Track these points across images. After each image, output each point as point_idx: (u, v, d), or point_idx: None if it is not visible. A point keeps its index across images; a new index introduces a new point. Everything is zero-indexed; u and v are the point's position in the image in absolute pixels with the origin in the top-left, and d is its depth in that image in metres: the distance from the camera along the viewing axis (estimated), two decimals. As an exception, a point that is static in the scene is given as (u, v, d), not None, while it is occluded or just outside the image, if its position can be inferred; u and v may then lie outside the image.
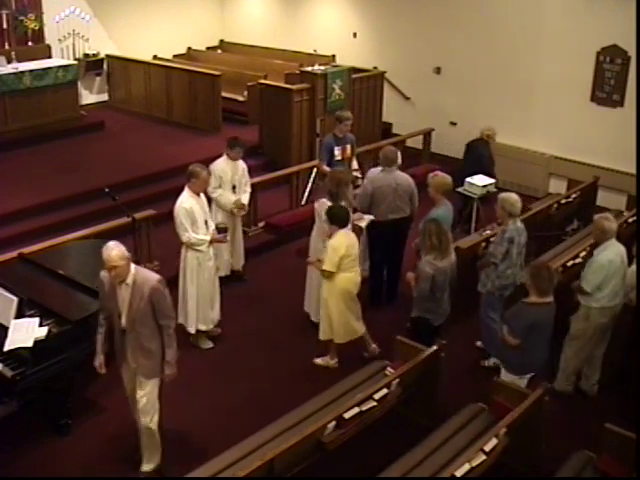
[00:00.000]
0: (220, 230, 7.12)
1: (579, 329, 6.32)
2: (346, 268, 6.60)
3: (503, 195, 6.76)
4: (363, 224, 7.27)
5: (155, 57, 13.71)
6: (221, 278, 7.74)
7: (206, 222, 6.96)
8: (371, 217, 7.39)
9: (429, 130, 11.71)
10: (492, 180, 9.05)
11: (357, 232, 7.14)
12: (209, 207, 7.29)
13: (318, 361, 6.97)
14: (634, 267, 6.48)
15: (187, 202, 6.74)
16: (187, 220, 6.71)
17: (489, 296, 6.73)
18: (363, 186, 7.79)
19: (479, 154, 9.42)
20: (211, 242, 6.94)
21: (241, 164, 8.04)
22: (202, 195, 6.96)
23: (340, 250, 6.49)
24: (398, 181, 7.63)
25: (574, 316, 6.35)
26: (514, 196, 6.65)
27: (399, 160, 7.84)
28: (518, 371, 5.70)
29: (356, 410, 5.17)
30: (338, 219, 6.57)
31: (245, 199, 8.08)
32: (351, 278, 6.69)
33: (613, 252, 6.23)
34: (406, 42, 12.16)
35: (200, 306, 6.99)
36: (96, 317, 6.08)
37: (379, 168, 7.70)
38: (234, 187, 7.92)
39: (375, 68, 12.24)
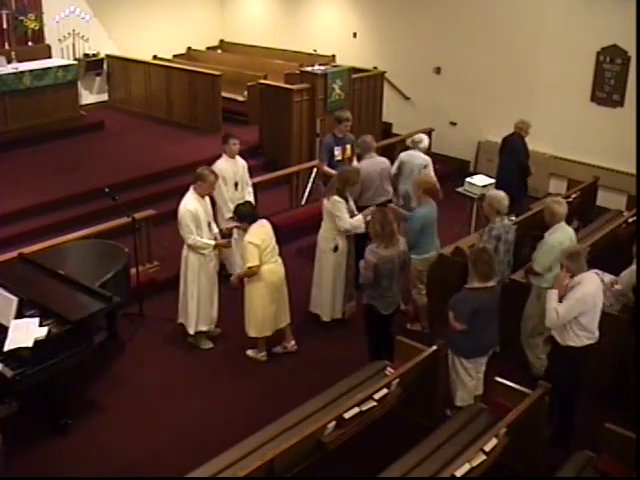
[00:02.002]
0: (225, 235, 7.14)
1: (533, 308, 6.53)
2: (267, 260, 6.73)
3: (491, 193, 6.97)
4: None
5: (155, 57, 13.71)
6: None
7: (209, 224, 6.98)
8: (370, 208, 7.37)
9: (429, 130, 11.67)
10: (492, 180, 9.05)
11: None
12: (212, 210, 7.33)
13: (249, 353, 7.05)
14: (634, 267, 6.49)
15: (191, 204, 6.76)
16: (192, 222, 6.73)
17: None
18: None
19: (515, 148, 9.44)
20: (215, 246, 6.95)
21: (241, 161, 8.07)
22: (207, 197, 6.98)
23: (258, 243, 6.61)
24: (382, 165, 8.09)
25: (529, 299, 6.56)
26: (501, 194, 6.80)
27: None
28: (467, 355, 5.84)
29: (356, 410, 5.17)
30: (247, 215, 6.72)
31: (250, 199, 8.11)
32: (273, 269, 6.82)
33: (563, 234, 6.43)
34: (406, 42, 12.16)
35: (201, 306, 7.00)
36: (96, 317, 6.12)
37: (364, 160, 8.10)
38: (236, 184, 7.94)
39: (375, 68, 12.24)
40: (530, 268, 6.54)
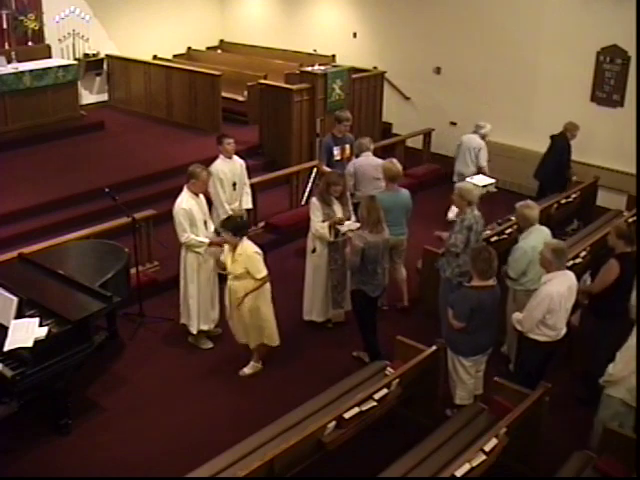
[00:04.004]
0: (219, 233, 7.11)
1: (509, 310, 6.59)
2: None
3: (461, 184, 7.05)
4: (343, 229, 7.09)
5: (155, 57, 13.70)
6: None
7: (205, 223, 6.96)
8: (356, 224, 7.29)
9: (429, 130, 11.71)
10: (492, 180, 9.06)
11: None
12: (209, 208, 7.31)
13: (247, 371, 6.76)
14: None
15: (186, 203, 6.75)
16: (186, 221, 6.71)
17: (447, 282, 6.87)
18: (347, 169, 8.16)
19: (561, 147, 9.61)
20: (210, 244, 6.93)
21: (239, 160, 8.05)
22: (201, 196, 6.96)
23: (260, 252, 6.43)
24: (377, 162, 8.08)
25: (508, 299, 6.67)
26: (471, 184, 7.02)
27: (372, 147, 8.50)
28: (466, 353, 5.86)
29: (356, 410, 5.17)
30: (243, 227, 6.47)
31: (247, 203, 8.12)
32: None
33: (536, 238, 6.48)
34: (406, 42, 12.16)
35: (201, 306, 7.00)
36: (96, 317, 6.12)
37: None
38: (234, 184, 7.92)
39: (375, 68, 12.25)
40: (505, 272, 6.60)
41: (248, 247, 6.39)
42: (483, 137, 9.49)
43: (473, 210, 6.78)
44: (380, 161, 8.27)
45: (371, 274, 6.50)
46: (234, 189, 7.94)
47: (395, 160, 7.70)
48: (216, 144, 7.96)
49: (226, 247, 6.54)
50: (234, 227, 6.36)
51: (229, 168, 7.87)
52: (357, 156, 8.42)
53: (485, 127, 9.47)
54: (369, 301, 6.65)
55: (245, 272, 6.37)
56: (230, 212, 7.76)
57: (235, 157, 8.01)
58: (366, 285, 6.54)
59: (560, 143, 9.59)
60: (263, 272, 6.42)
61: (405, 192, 7.61)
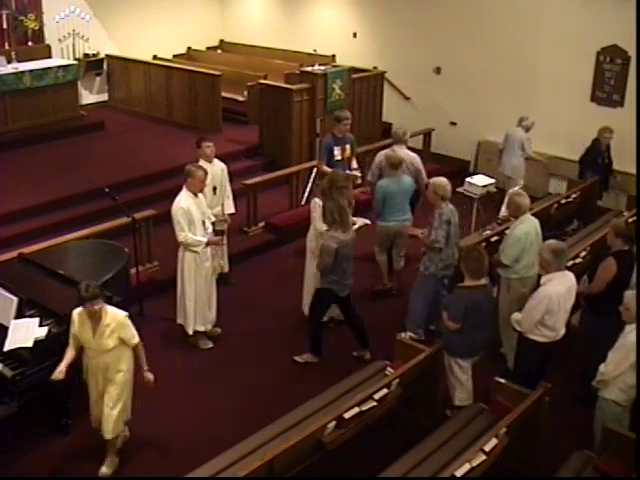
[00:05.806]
0: (217, 233, 7.10)
1: (504, 302, 6.59)
2: None
3: (434, 180, 7.06)
4: (354, 227, 7.00)
5: (155, 57, 13.70)
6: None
7: (204, 223, 6.94)
8: (366, 221, 7.37)
9: (429, 130, 11.71)
10: (492, 180, 9.07)
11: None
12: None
13: (107, 471, 5.56)
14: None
15: (185, 202, 6.73)
16: (184, 220, 6.69)
17: (432, 278, 6.92)
18: (375, 159, 8.30)
19: (595, 151, 9.69)
20: (207, 244, 6.91)
21: (219, 164, 7.79)
22: (200, 195, 6.94)
23: (127, 315, 5.58)
24: (405, 157, 8.03)
25: (500, 290, 6.63)
26: (444, 180, 7.01)
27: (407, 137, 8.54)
28: (462, 354, 5.86)
29: (356, 410, 5.18)
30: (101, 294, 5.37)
31: (229, 207, 7.91)
32: None
33: (528, 225, 6.55)
34: (406, 42, 12.16)
35: (198, 307, 6.99)
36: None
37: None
38: (215, 189, 7.65)
39: (375, 68, 12.25)
40: (497, 260, 6.58)
41: (116, 312, 5.44)
42: (527, 129, 9.73)
43: (448, 205, 6.88)
44: (412, 156, 8.28)
45: (343, 273, 6.57)
46: (214, 193, 7.68)
47: (396, 148, 7.98)
48: (195, 147, 7.68)
49: (77, 322, 5.39)
50: (101, 292, 5.38)
51: (209, 172, 7.40)
52: (391, 145, 8.48)
53: (528, 119, 9.70)
54: (338, 301, 6.75)
55: (119, 342, 5.41)
56: (212, 218, 7.44)
57: (216, 160, 7.73)
58: (337, 285, 6.60)
59: (594, 147, 9.65)
60: (137, 336, 5.53)
61: (407, 178, 7.81)
